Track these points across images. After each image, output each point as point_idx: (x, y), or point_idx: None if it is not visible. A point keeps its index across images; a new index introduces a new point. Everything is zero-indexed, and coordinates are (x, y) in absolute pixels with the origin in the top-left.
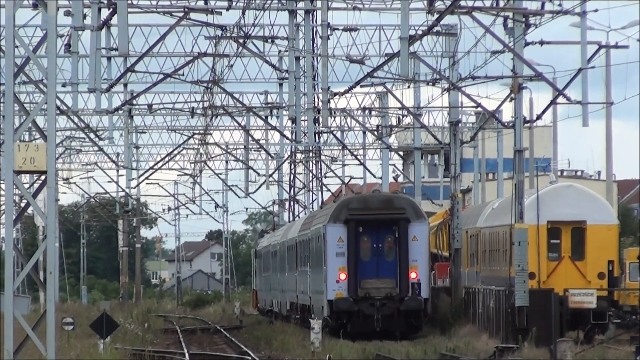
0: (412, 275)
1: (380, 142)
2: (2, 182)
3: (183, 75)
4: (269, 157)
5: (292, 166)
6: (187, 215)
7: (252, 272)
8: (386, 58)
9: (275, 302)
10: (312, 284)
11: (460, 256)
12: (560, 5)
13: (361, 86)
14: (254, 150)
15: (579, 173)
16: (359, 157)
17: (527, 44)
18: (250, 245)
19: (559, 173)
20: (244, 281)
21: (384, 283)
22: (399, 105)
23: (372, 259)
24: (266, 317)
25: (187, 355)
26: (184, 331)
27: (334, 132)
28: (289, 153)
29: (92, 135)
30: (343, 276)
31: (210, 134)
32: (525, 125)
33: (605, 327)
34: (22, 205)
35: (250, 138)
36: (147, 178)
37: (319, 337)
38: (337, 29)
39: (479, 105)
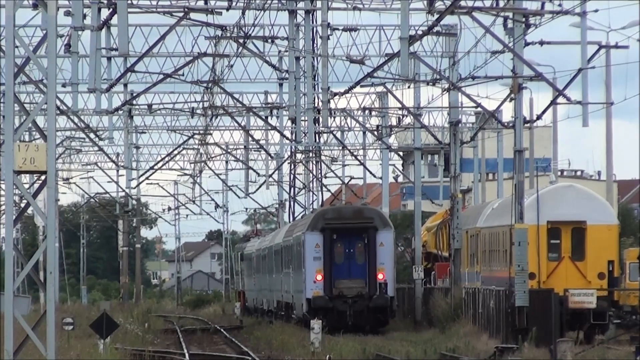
0: (380, 276)
1: (380, 142)
2: (2, 182)
3: (183, 75)
4: (269, 157)
5: (292, 166)
6: (187, 216)
7: (233, 273)
8: (386, 58)
9: (265, 301)
10: (294, 284)
11: (460, 256)
12: (560, 5)
13: (361, 86)
14: (254, 151)
15: (579, 173)
16: (359, 157)
17: (527, 44)
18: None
19: (559, 173)
20: None
21: (355, 283)
22: (399, 105)
23: (345, 262)
24: (253, 316)
25: (187, 355)
26: (184, 331)
27: (334, 132)
28: (289, 153)
29: (92, 136)
30: (319, 277)
31: (210, 134)
32: (525, 125)
33: (605, 327)
34: (22, 205)
35: (250, 138)
36: (147, 178)
37: (319, 337)
38: (337, 29)
39: (479, 105)
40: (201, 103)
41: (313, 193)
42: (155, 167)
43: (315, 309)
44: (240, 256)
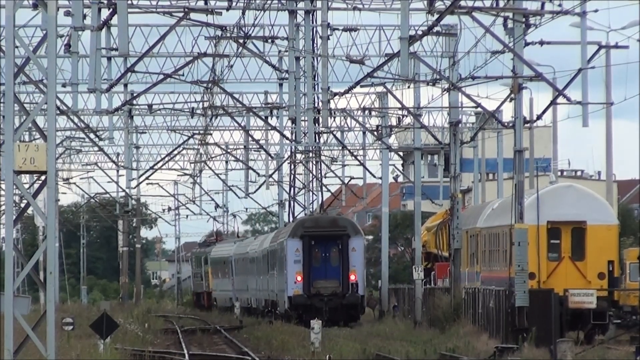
0: (352, 277)
1: (380, 142)
2: (2, 182)
3: (183, 75)
4: (269, 158)
5: (292, 166)
6: (187, 216)
7: (192, 276)
8: (386, 58)
9: (254, 300)
10: (277, 284)
11: (460, 256)
12: (560, 5)
13: (361, 86)
14: (254, 151)
15: (579, 173)
16: (358, 157)
17: (527, 44)
18: None
19: (559, 173)
20: None
21: (331, 283)
22: (399, 105)
23: (322, 265)
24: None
25: (187, 355)
26: (184, 331)
27: (334, 133)
28: (288, 153)
29: (92, 136)
30: (299, 278)
31: (210, 134)
32: (525, 125)
33: (606, 327)
34: (22, 205)
35: (250, 138)
36: (147, 178)
37: (319, 337)
38: (337, 29)
39: (479, 105)
40: (201, 103)
41: (313, 193)
42: (155, 167)
43: (295, 305)
44: (205, 260)
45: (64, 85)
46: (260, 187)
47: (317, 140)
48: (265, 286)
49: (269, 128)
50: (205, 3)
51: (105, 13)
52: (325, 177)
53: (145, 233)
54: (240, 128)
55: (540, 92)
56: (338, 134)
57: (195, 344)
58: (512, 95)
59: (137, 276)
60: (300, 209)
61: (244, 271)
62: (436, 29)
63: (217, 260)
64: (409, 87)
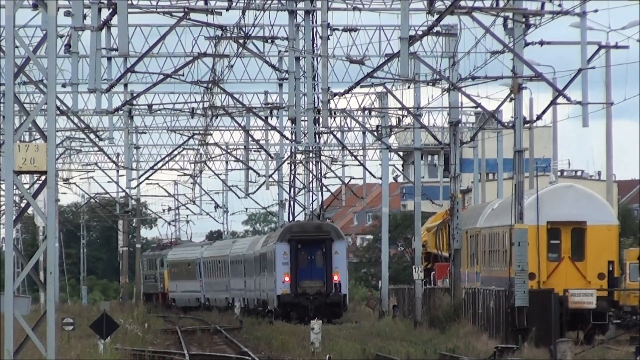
0: (335, 278)
1: (380, 142)
2: (2, 182)
3: (183, 75)
4: (269, 158)
5: (292, 166)
6: (187, 216)
7: (144, 277)
8: (386, 58)
9: (245, 300)
10: (267, 284)
11: (460, 256)
12: (560, 5)
13: (361, 86)
14: (254, 151)
15: (579, 173)
16: (358, 157)
17: (527, 44)
18: None
19: (559, 173)
20: None
21: (316, 283)
22: (399, 105)
23: (307, 266)
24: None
25: (187, 355)
26: (184, 331)
27: (334, 133)
28: (288, 153)
29: (92, 136)
30: (287, 279)
31: (210, 135)
32: (525, 125)
33: (605, 327)
34: (22, 205)
35: (250, 138)
36: (147, 178)
37: (319, 337)
38: (337, 29)
39: (478, 105)
40: (201, 103)
41: (313, 193)
42: (155, 168)
43: (283, 304)
44: (160, 262)
45: (64, 85)
46: (260, 187)
47: (317, 141)
48: (257, 286)
49: (269, 128)
50: (205, 3)
51: (105, 13)
52: (325, 177)
53: (145, 233)
54: (240, 128)
55: (540, 92)
56: (338, 134)
57: (195, 344)
58: (512, 96)
59: (137, 276)
60: (300, 209)
61: (221, 273)
62: (436, 29)
63: (179, 262)
64: (409, 87)
